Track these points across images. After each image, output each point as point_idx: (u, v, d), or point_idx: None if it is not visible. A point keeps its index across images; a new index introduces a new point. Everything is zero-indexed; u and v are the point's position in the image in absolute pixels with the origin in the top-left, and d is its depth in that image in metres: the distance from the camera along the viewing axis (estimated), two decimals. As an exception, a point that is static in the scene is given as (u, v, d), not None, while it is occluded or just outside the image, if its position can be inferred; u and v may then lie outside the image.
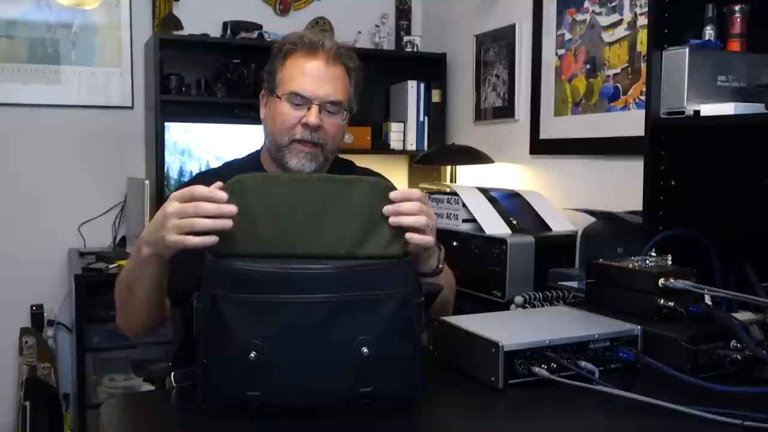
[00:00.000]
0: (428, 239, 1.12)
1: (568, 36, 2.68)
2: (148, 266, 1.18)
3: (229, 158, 1.61)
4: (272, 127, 1.45)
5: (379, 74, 3.54)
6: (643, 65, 2.29)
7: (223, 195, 1.03)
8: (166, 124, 3.02)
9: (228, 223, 1.01)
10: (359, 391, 0.99)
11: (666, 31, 1.54)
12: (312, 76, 1.42)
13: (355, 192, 1.06)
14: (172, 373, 1.12)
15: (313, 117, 1.40)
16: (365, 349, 0.98)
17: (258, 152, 1.55)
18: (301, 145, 1.42)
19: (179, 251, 1.09)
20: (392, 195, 1.08)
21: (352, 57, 1.47)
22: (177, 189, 1.57)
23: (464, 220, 2.44)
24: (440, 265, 1.27)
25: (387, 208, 1.07)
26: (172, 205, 1.08)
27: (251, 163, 1.53)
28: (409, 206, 1.08)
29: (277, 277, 0.98)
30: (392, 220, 1.06)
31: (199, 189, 1.05)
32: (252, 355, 0.96)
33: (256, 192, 1.04)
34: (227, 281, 0.98)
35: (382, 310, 0.99)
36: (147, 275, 1.20)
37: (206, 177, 1.55)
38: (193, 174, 1.57)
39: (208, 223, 1.02)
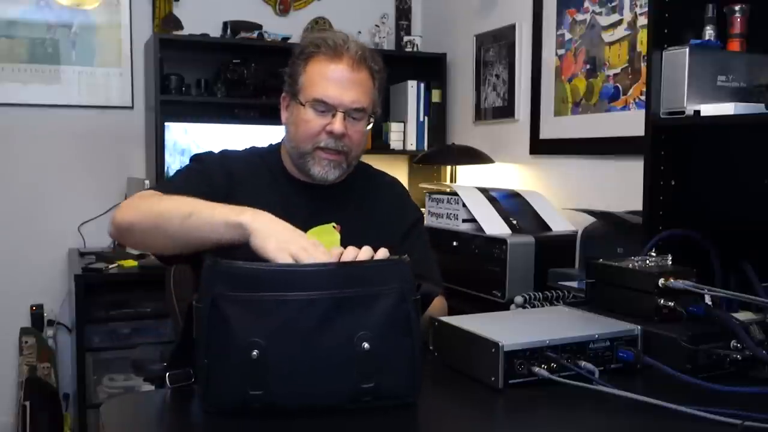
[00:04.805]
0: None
1: (568, 36, 2.68)
2: (217, 227, 1.15)
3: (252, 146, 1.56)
4: (295, 134, 1.42)
5: (379, 74, 3.54)
6: (643, 65, 2.29)
7: None
8: (166, 124, 3.02)
9: None
10: (361, 388, 0.99)
11: (666, 31, 1.53)
12: (336, 82, 1.37)
13: None
14: (167, 374, 1.11)
15: (338, 125, 1.37)
16: (366, 345, 0.98)
17: (278, 148, 1.52)
18: (325, 153, 1.39)
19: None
20: None
21: (376, 59, 1.43)
22: (203, 154, 1.47)
23: (464, 220, 2.44)
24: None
25: None
26: (317, 243, 1.11)
27: (272, 157, 1.51)
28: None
29: (276, 276, 1.00)
30: None
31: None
32: (254, 353, 0.96)
33: None
34: (227, 280, 0.99)
35: (380, 306, 1.00)
36: (200, 229, 1.17)
37: (227, 158, 1.48)
38: (215, 152, 1.52)
39: None
